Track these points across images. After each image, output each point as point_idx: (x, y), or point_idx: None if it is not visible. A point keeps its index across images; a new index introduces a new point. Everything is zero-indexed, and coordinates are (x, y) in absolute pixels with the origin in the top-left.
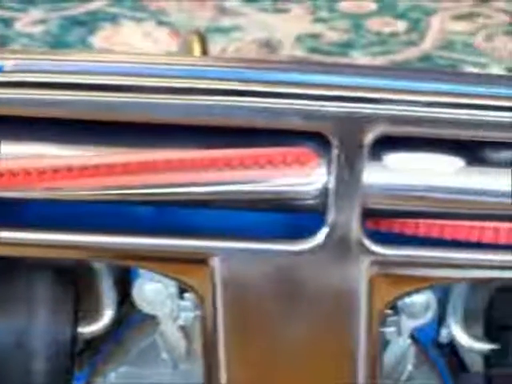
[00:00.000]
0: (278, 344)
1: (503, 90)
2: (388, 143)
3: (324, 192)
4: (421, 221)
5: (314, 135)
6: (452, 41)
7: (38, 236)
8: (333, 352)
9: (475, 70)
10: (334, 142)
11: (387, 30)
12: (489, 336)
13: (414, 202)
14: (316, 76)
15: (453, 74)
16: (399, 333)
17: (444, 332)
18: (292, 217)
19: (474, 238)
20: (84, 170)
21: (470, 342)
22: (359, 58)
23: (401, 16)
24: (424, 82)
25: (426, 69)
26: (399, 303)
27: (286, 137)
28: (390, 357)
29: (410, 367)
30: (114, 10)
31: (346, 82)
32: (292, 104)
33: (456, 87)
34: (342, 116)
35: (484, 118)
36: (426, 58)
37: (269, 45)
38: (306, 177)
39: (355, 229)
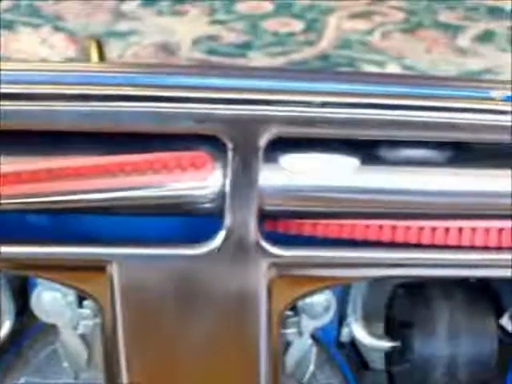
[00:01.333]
0: (179, 349)
1: (396, 89)
2: (283, 144)
3: (220, 195)
4: (318, 221)
5: (209, 139)
6: (349, 39)
7: None
8: (234, 355)
9: (372, 68)
10: (229, 144)
11: (284, 30)
12: (389, 334)
13: (311, 203)
14: (210, 79)
15: (346, 73)
16: (300, 333)
17: (345, 331)
18: (190, 221)
19: (371, 237)
20: None
21: (371, 341)
22: (257, 58)
23: (298, 16)
24: (317, 82)
25: (320, 69)
26: (299, 304)
27: (181, 141)
28: (291, 357)
29: (312, 367)
30: (9, 16)
31: (240, 85)
32: (186, 108)
33: (349, 87)
34: (235, 119)
35: (378, 117)
36: (323, 57)
37: (167, 48)
38: (201, 180)
39: (252, 231)
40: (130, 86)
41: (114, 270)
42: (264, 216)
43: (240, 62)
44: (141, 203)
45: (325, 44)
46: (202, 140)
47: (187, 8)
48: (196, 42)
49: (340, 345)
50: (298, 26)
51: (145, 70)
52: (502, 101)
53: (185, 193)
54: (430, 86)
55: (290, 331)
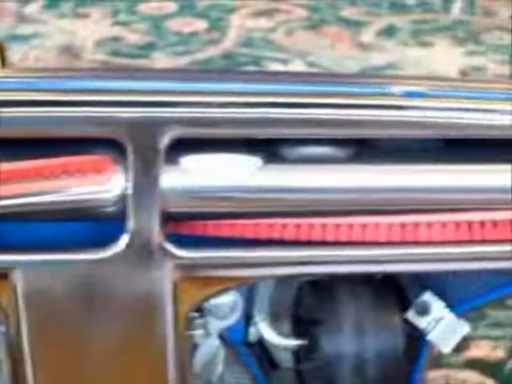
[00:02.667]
0: (86, 354)
1: (297, 87)
2: (185, 146)
3: (123, 198)
4: (222, 222)
5: (110, 142)
6: (252, 38)
7: None
8: (141, 358)
9: (277, 66)
10: (130, 147)
11: (188, 29)
12: (297, 332)
13: (214, 203)
14: (110, 82)
15: (247, 73)
16: (207, 334)
17: (252, 331)
18: (94, 225)
19: (275, 236)
20: None
21: (278, 339)
22: (161, 59)
23: (201, 15)
24: (218, 82)
25: (221, 69)
26: (206, 305)
27: (81, 145)
28: (199, 359)
29: (220, 368)
30: None
31: (139, 87)
32: (85, 112)
33: (250, 86)
34: (135, 121)
35: (279, 116)
36: (227, 56)
37: (69, 51)
38: (103, 184)
39: (156, 234)
40: (30, 91)
41: (17, 277)
42: (167, 218)
43: (144, 62)
44: (42, 209)
45: (228, 43)
46: (102, 143)
47: (90, 10)
48: (99, 44)
49: (248, 344)
50: (201, 25)
51: (45, 74)
52: (402, 96)
53: (87, 197)
54: (332, 84)
55: (197, 333)
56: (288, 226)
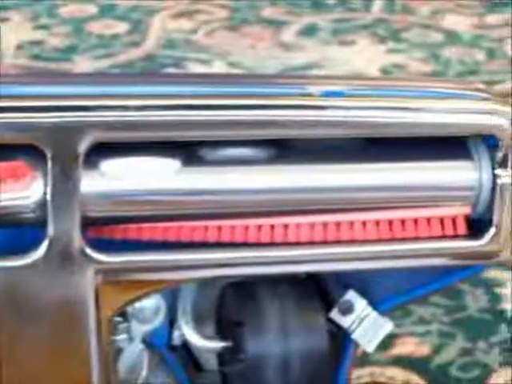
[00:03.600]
0: (9, 361)
1: (215, 89)
2: (104, 150)
3: (42, 204)
4: (143, 225)
5: (27, 148)
6: (173, 39)
7: None
8: (65, 365)
9: (198, 67)
10: (48, 153)
11: (109, 32)
12: (221, 334)
13: (135, 207)
14: (26, 87)
15: (166, 75)
16: (131, 339)
17: (176, 334)
18: (13, 232)
19: (197, 238)
20: None
21: (203, 342)
22: (83, 62)
23: (122, 17)
24: (134, 85)
25: (137, 72)
26: (128, 309)
27: None
28: (124, 364)
29: (144, 372)
30: None
31: (55, 92)
32: (3, 118)
33: (166, 89)
34: (53, 126)
35: (196, 118)
36: (149, 57)
37: None
38: (22, 190)
39: (76, 239)
40: None
41: None
42: (88, 223)
43: (64, 66)
44: None
45: (150, 45)
46: (20, 149)
47: (10, 14)
48: (20, 48)
49: (172, 348)
50: (122, 27)
51: None
52: (321, 96)
53: (5, 204)
54: (251, 85)
55: (121, 337)
56: (209, 228)
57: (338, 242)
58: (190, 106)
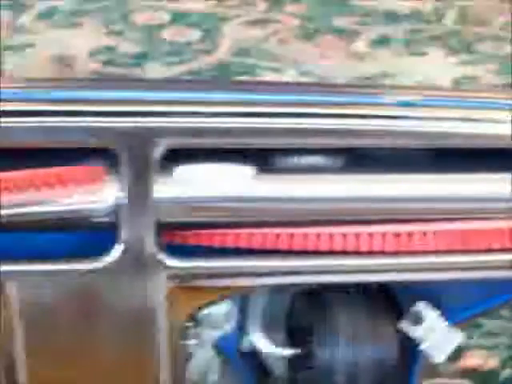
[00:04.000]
0: (79, 364)
1: (291, 97)
2: (178, 155)
3: (116, 209)
4: (215, 231)
5: (103, 152)
6: (246, 47)
7: None
8: (136, 368)
9: (270, 75)
10: (123, 157)
11: (181, 39)
12: (291, 341)
13: (208, 213)
14: (103, 92)
15: (241, 83)
16: (202, 344)
17: (246, 340)
18: (87, 235)
19: (269, 246)
20: None
21: (272, 349)
22: (155, 68)
23: (194, 25)
24: (210, 92)
25: (215, 79)
26: (200, 315)
27: (74, 155)
28: (194, 368)
29: (214, 377)
30: None
31: (132, 97)
32: (79, 122)
33: (244, 96)
34: (129, 131)
35: (272, 126)
36: (221, 65)
37: (63, 61)
38: (96, 194)
39: (149, 244)
40: (23, 101)
41: (10, 287)
42: (161, 228)
43: (137, 72)
44: (36, 219)
45: (222, 52)
46: (96, 153)
47: (83, 20)
48: (92, 54)
49: (242, 354)
50: (195, 35)
51: (39, 84)
52: (394, 106)
53: (80, 207)
54: (326, 94)
55: (192, 342)
56: (281, 236)
57: (409, 253)
58: (264, 114)
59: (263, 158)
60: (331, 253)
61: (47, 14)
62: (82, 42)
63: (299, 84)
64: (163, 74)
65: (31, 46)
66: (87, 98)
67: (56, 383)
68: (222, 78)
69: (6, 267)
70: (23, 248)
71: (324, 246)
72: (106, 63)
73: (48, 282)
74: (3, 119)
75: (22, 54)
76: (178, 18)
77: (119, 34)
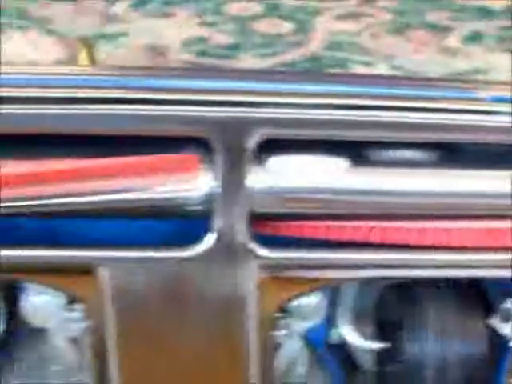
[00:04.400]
0: (169, 351)
1: (385, 90)
2: (272, 146)
3: (209, 197)
4: (307, 223)
5: (198, 141)
6: (338, 40)
7: None
8: (225, 357)
9: (361, 69)
10: (218, 147)
11: (274, 31)
12: (379, 335)
13: (301, 205)
14: (199, 82)
15: (334, 75)
16: (291, 335)
17: (335, 332)
18: (179, 223)
19: (360, 239)
20: None
21: (361, 342)
22: (247, 60)
23: (287, 17)
24: (306, 84)
25: (309, 71)
26: (290, 306)
27: (169, 143)
28: (282, 359)
29: (302, 368)
30: None
31: (228, 87)
32: (174, 110)
33: (338, 88)
34: (224, 121)
35: (367, 119)
36: (312, 58)
37: (156, 50)
38: (190, 183)
39: (242, 233)
40: (119, 89)
41: (103, 273)
42: (253, 218)
43: (229, 63)
44: (129, 206)
45: (314, 45)
46: (190, 142)
47: (176, 10)
48: (185, 44)
49: (330, 346)
50: (287, 27)
51: (134, 72)
52: (489, 101)
53: (174, 195)
54: (419, 88)
55: (281, 333)
56: (374, 229)
57: (502, 249)
58: (360, 107)
59: (357, 151)
60: (422, 247)
61: (140, 4)
62: (174, 32)
63: (393, 77)
64: (256, 65)
65: (124, 35)
66: (183, 87)
67: (146, 368)
68: (315, 70)
69: (99, 253)
70: (117, 234)
71: (415, 240)
72: (199, 54)
73: (140, 269)
74: (97, 106)
75: (116, 43)
76: (271, 9)
77: (212, 24)
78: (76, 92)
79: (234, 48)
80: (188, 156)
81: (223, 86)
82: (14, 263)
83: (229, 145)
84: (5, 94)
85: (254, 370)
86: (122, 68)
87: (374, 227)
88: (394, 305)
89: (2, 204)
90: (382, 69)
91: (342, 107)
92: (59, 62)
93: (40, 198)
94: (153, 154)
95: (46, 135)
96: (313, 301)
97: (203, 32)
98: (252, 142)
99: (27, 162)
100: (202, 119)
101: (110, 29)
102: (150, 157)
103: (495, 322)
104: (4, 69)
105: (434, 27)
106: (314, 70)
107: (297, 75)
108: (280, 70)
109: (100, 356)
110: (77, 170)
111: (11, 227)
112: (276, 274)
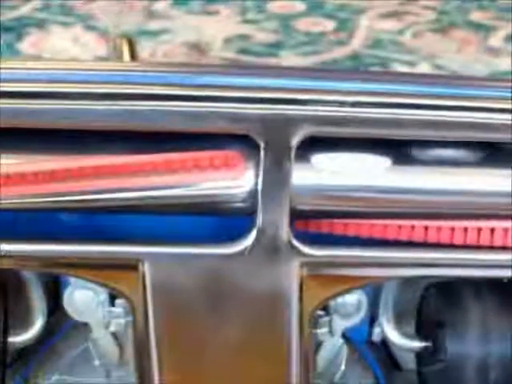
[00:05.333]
0: (209, 347)
1: (428, 89)
2: (315, 144)
3: (253, 194)
4: (350, 221)
5: (241, 138)
6: (380, 39)
7: None
8: (265, 354)
9: (404, 68)
10: (262, 144)
11: (316, 29)
12: (421, 334)
13: (342, 202)
14: (242, 78)
15: (378, 73)
16: (331, 333)
17: (376, 331)
18: (222, 220)
19: (403, 237)
20: (9, 179)
21: (402, 341)
22: (289, 58)
23: (329, 15)
24: (350, 82)
25: (352, 69)
26: (331, 303)
27: (213, 140)
28: (323, 357)
29: (343, 367)
30: (41, 15)
31: (272, 84)
32: (218, 107)
33: (381, 86)
34: (268, 118)
35: (409, 117)
36: (354, 56)
37: (198, 47)
38: (234, 180)
39: (284, 230)
40: (162, 85)
41: (146, 268)
42: (295, 215)
43: (271, 61)
44: (173, 202)
45: (356, 44)
46: (234, 139)
47: (218, 7)
48: (227, 42)
49: (371, 344)
50: (329, 25)
51: (177, 69)
52: None
53: (217, 192)
54: (462, 86)
55: (322, 331)
56: (416, 228)
57: None
58: (404, 105)
59: (400, 150)
60: (465, 246)
61: (182, 1)
62: (217, 30)
63: (435, 76)
64: (297, 63)
65: (167, 31)
66: (227, 83)
67: (187, 364)
68: (357, 68)
69: (142, 248)
70: (160, 230)
71: (458, 240)
72: (241, 51)
73: (182, 265)
74: (143, 102)
75: (158, 40)
76: (313, 7)
77: (254, 22)
78: (119, 88)
79: (276, 46)
80: (232, 153)
81: (267, 83)
82: (59, 258)
83: (272, 142)
84: (47, 90)
85: (294, 367)
86: (165, 64)
87: (416, 226)
88: (435, 304)
89: (48, 199)
90: (424, 68)
91: (387, 105)
92: (101, 58)
93: (85, 193)
94: (196, 151)
95: (89, 131)
96: (354, 299)
97: (245, 30)
98: (296, 139)
99: (73, 158)
100: (246, 116)
101: (153, 26)
102: (193, 153)
103: None
104: (47, 64)
105: (477, 27)
106: (356, 68)
107: (340, 73)
108: (323, 68)
109: (142, 351)
110: (122, 166)
111: (55, 222)
112: (318, 272)
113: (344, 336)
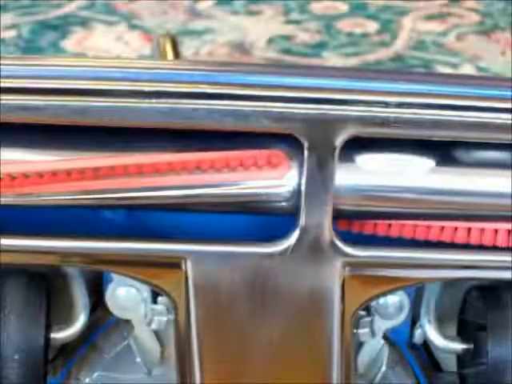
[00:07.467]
0: (251, 347)
1: (472, 90)
2: (359, 144)
3: (296, 194)
4: (393, 222)
5: (285, 137)
6: (423, 41)
7: (9, 242)
8: (306, 354)
9: (447, 70)
10: (305, 143)
11: (359, 30)
12: (462, 336)
13: (386, 203)
14: (287, 78)
15: (422, 74)
16: (373, 334)
17: (418, 332)
18: (264, 219)
19: (446, 239)
20: (55, 175)
21: (444, 342)
22: (331, 58)
23: (372, 17)
24: (394, 82)
25: (397, 69)
26: (372, 304)
27: (257, 139)
28: (364, 358)
29: (384, 368)
30: (85, 13)
31: (317, 84)
32: (262, 106)
33: (426, 87)
34: (312, 118)
35: (453, 119)
36: (397, 58)
37: (241, 47)
38: (277, 179)
39: (327, 230)
40: (206, 84)
41: (188, 266)
42: (338, 215)
43: (314, 61)
44: (216, 200)
45: (399, 45)
46: (278, 138)
47: (262, 7)
48: (270, 42)
49: (412, 346)
50: (372, 26)
51: (221, 68)
52: None
53: (260, 191)
54: (506, 88)
55: (363, 331)
56: (459, 230)
57: None
58: (448, 106)
59: (444, 151)
60: (507, 249)
61: (226, 0)
62: (260, 30)
63: (480, 78)
64: (339, 64)
65: (210, 31)
66: (271, 83)
67: (228, 363)
68: (400, 68)
69: (185, 246)
70: (203, 228)
71: (500, 242)
72: (284, 52)
73: (225, 264)
74: (187, 101)
75: (201, 39)
76: (356, 8)
77: (297, 22)
78: (164, 86)
79: (319, 47)
80: (276, 152)
81: (312, 83)
82: (102, 255)
83: (316, 142)
84: (93, 87)
85: (336, 367)
86: (209, 63)
87: (459, 227)
88: (478, 306)
89: (92, 196)
90: (466, 70)
91: (429, 106)
92: (145, 57)
93: (129, 190)
94: (241, 150)
95: (134, 129)
96: (396, 300)
97: (288, 30)
98: (340, 139)
99: (118, 155)
100: (290, 116)
101: (196, 25)
102: (237, 152)
103: None
104: (91, 62)
105: None
106: (399, 69)
107: (384, 73)
108: (367, 68)
109: (183, 350)
110: (166, 164)
111: (100, 219)
112: (360, 272)
113: (385, 337)
